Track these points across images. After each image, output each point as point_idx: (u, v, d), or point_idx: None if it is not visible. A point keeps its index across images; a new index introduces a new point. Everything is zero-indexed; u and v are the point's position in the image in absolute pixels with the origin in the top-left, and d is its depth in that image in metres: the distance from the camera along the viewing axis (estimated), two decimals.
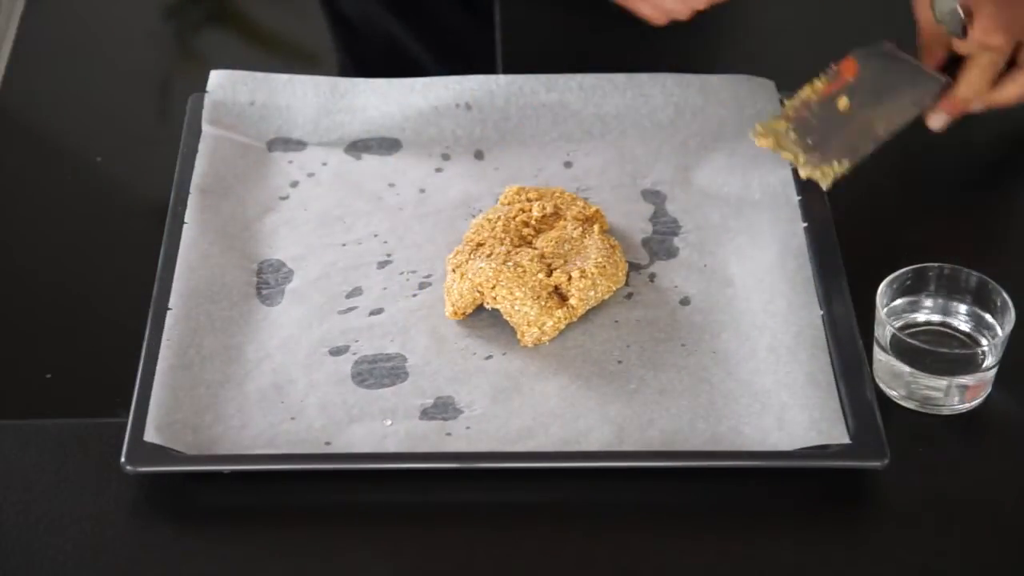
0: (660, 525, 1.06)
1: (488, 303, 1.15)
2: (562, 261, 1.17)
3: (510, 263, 1.15)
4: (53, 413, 1.11)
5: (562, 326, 1.14)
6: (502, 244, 1.17)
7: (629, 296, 1.18)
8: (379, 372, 1.12)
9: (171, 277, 1.17)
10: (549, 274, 1.16)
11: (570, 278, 1.15)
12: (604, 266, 1.17)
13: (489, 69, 1.37)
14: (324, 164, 1.28)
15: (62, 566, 1.03)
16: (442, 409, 1.10)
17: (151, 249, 1.20)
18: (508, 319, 1.14)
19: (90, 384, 1.14)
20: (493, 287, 1.14)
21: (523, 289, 1.14)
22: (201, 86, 1.31)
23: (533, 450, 1.07)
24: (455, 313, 1.15)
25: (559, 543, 1.05)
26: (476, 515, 1.07)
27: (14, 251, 1.24)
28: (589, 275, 1.15)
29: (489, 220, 1.20)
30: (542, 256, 1.17)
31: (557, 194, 1.24)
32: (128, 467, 1.06)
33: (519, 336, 1.14)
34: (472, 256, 1.17)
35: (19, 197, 1.29)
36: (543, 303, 1.14)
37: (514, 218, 1.20)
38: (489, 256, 1.16)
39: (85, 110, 1.37)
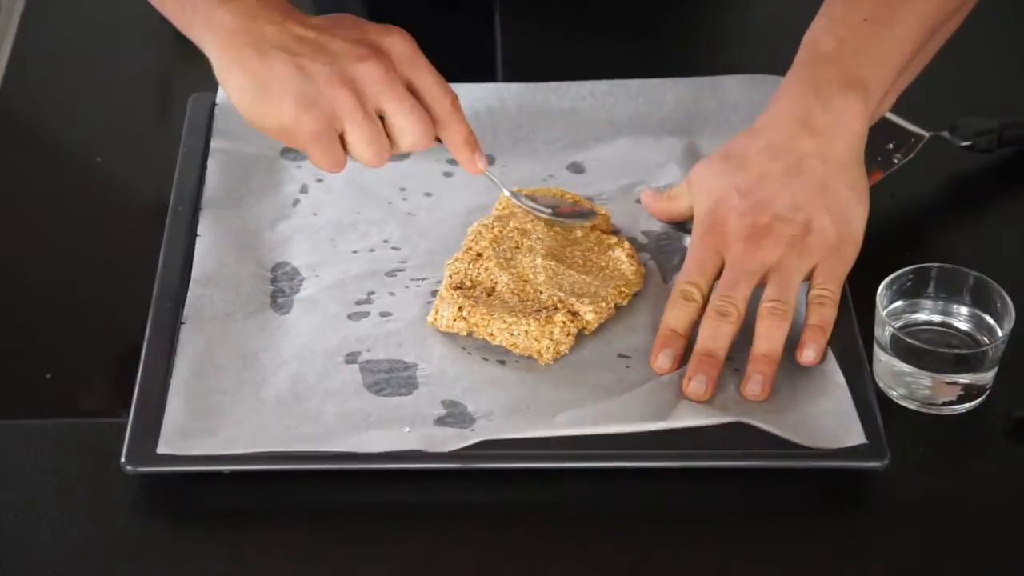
0: (660, 525, 1.06)
1: (488, 339, 1.14)
2: (571, 278, 1.17)
3: (490, 299, 1.15)
4: (53, 413, 1.11)
5: (573, 330, 1.14)
6: (486, 269, 1.17)
7: (645, 300, 1.18)
8: (396, 381, 1.12)
9: (171, 277, 1.17)
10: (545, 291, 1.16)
11: (575, 314, 1.15)
12: (612, 275, 1.17)
13: (489, 77, 1.37)
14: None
15: (62, 566, 1.03)
16: (459, 419, 1.09)
17: (151, 249, 1.20)
18: (515, 350, 1.13)
19: (90, 384, 1.14)
20: (487, 325, 1.14)
21: (513, 314, 1.14)
22: (201, 86, 1.31)
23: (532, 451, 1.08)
24: (435, 323, 1.15)
25: (559, 543, 1.05)
26: (476, 515, 1.07)
27: (14, 251, 1.24)
28: (600, 296, 1.15)
29: (485, 226, 1.20)
30: (523, 279, 1.17)
31: (559, 194, 1.23)
32: (128, 467, 1.06)
33: (538, 359, 1.13)
34: (471, 266, 1.17)
35: (19, 197, 1.29)
36: (538, 316, 1.14)
37: (505, 228, 1.20)
38: (472, 295, 1.15)
39: (85, 110, 1.37)
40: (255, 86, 1.09)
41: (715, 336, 1.12)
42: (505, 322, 1.13)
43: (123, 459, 1.06)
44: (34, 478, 1.07)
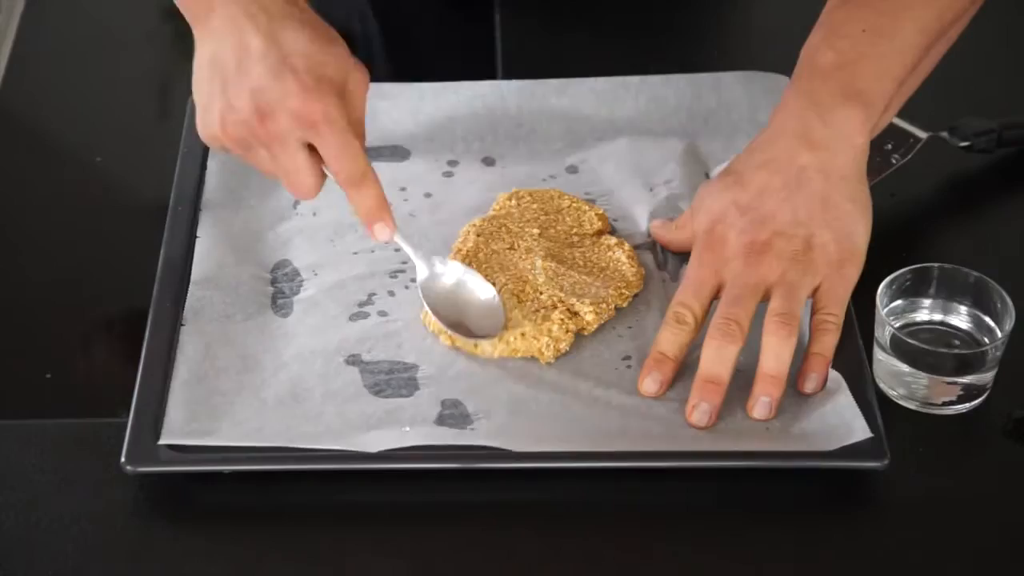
0: (660, 525, 1.06)
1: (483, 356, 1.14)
2: (571, 279, 1.17)
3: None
4: (53, 413, 1.11)
5: (571, 327, 1.13)
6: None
7: (645, 301, 1.18)
8: (396, 382, 1.11)
9: (171, 277, 1.17)
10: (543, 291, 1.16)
11: (574, 314, 1.15)
12: (612, 276, 1.17)
13: (489, 77, 1.37)
14: None
15: (62, 566, 1.03)
16: (460, 420, 1.09)
17: (151, 249, 1.20)
18: (516, 355, 1.13)
19: (90, 384, 1.14)
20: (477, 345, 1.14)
21: (511, 313, 1.14)
22: None
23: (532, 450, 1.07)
24: (425, 322, 1.15)
25: (559, 543, 1.05)
26: (476, 515, 1.07)
27: (14, 251, 1.24)
28: (601, 298, 1.15)
29: (474, 226, 1.20)
30: (522, 279, 1.17)
31: (557, 196, 1.23)
32: (128, 467, 1.06)
33: (539, 357, 1.13)
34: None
35: (19, 197, 1.29)
36: (534, 318, 1.13)
37: (500, 228, 1.20)
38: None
39: (85, 110, 1.37)
40: (195, 79, 1.12)
41: (718, 359, 1.10)
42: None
43: (123, 459, 1.06)
44: (34, 478, 1.07)
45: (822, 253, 1.13)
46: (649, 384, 1.11)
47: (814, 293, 1.13)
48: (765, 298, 1.12)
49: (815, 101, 1.16)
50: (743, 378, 1.11)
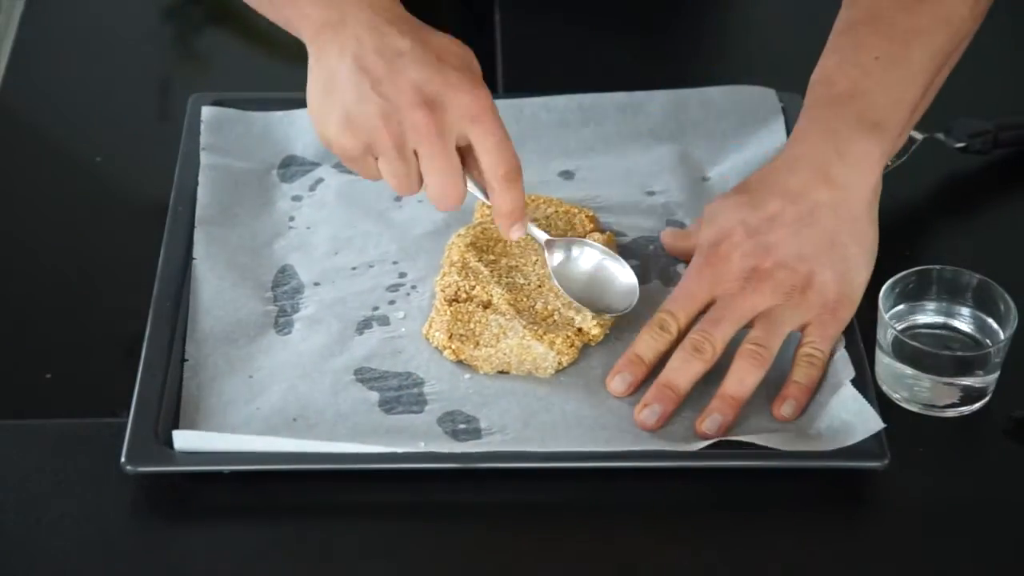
0: (660, 525, 1.06)
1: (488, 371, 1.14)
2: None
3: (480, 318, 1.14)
4: (53, 413, 1.11)
5: (578, 343, 1.13)
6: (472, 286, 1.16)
7: (648, 306, 1.17)
8: (407, 399, 1.11)
9: (171, 276, 1.17)
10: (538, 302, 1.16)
11: (579, 328, 1.14)
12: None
13: (489, 78, 1.36)
14: (328, 185, 1.27)
15: (62, 566, 1.03)
16: (473, 434, 1.09)
17: (151, 249, 1.20)
18: (520, 369, 1.13)
19: (90, 384, 1.14)
20: (476, 346, 1.13)
21: (506, 336, 1.13)
22: (201, 86, 1.31)
23: (531, 450, 1.07)
24: (427, 335, 1.14)
25: (559, 543, 1.05)
26: (476, 515, 1.07)
27: (14, 251, 1.24)
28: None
29: (460, 236, 1.20)
30: (520, 290, 1.16)
31: (543, 202, 1.23)
32: (128, 467, 1.06)
33: (541, 372, 1.13)
34: (463, 280, 1.16)
35: (19, 197, 1.29)
36: (536, 329, 1.13)
37: (481, 236, 1.19)
38: (462, 308, 1.15)
39: (85, 110, 1.37)
40: (322, 89, 1.08)
41: (682, 369, 1.10)
42: (494, 347, 1.13)
43: (123, 459, 1.06)
44: (34, 478, 1.07)
45: (819, 294, 1.12)
46: (618, 383, 1.11)
47: (803, 328, 1.12)
48: (748, 326, 1.12)
49: (833, 134, 1.14)
50: (752, 398, 1.10)
